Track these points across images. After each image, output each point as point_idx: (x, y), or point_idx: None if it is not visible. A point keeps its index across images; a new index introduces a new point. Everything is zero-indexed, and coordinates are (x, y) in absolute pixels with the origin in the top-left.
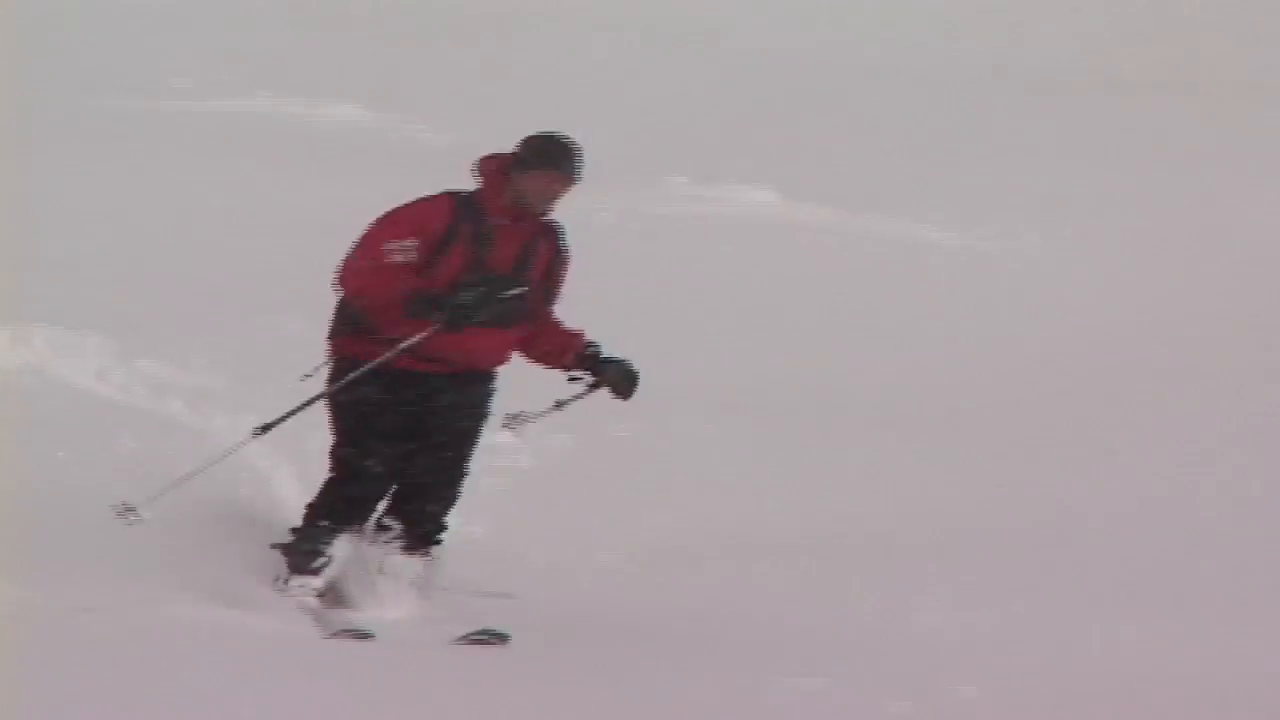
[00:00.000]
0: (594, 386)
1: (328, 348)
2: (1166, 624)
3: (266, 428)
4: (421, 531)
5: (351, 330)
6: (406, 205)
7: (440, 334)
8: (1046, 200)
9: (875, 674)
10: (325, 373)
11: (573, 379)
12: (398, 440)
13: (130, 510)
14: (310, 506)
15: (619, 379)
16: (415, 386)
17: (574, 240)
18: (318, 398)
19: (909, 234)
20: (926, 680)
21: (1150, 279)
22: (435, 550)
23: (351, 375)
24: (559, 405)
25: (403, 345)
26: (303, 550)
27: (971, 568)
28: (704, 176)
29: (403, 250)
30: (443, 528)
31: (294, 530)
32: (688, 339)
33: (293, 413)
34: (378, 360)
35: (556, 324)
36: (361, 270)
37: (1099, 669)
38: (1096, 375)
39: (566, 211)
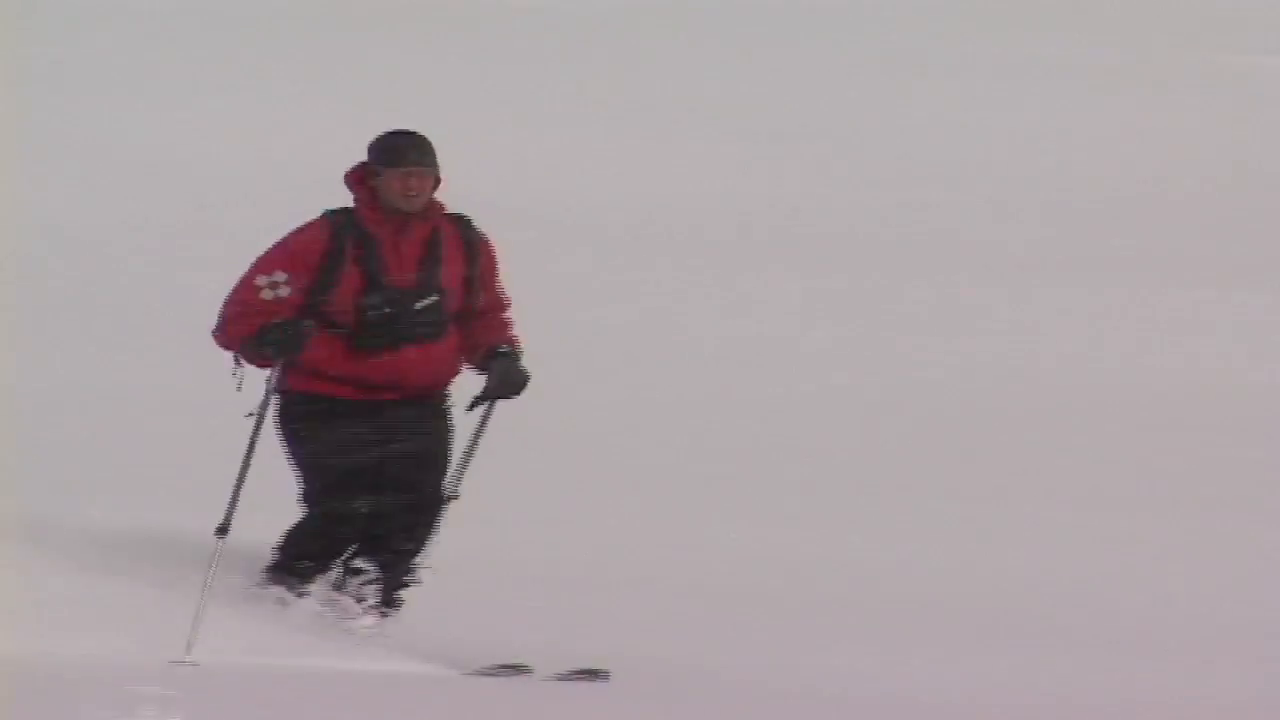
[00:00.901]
0: (478, 401)
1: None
2: None
3: (224, 529)
4: (394, 573)
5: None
6: (281, 239)
7: (357, 366)
8: None
9: None
10: (271, 411)
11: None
12: (362, 474)
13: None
14: (280, 549)
15: (497, 384)
16: (363, 415)
17: None
18: (248, 458)
19: None
20: None
21: None
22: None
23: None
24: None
25: (270, 388)
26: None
27: None
28: None
29: (273, 285)
30: (411, 571)
31: (269, 569)
32: None
33: (236, 495)
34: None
35: (494, 317)
36: (230, 316)
37: None
38: None
39: None
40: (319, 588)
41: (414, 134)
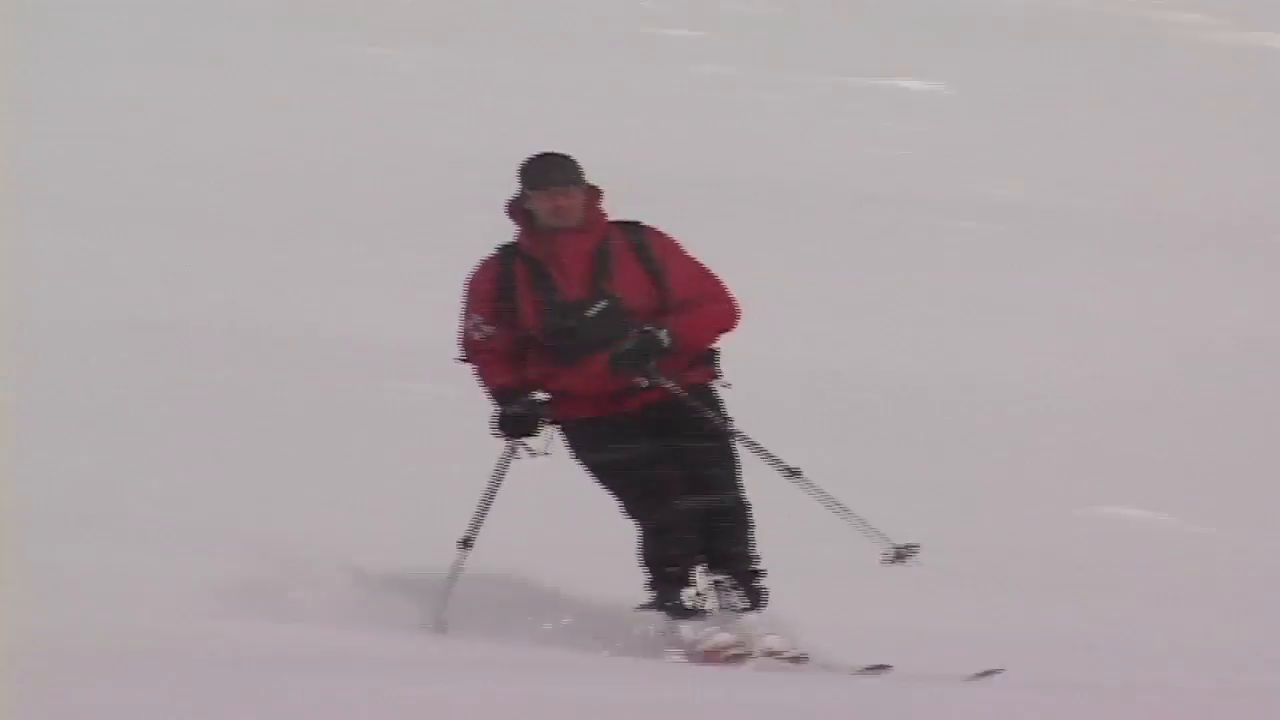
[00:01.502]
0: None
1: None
2: None
3: (469, 540)
4: (740, 576)
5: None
6: (468, 280)
7: (569, 381)
8: None
9: None
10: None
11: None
12: (655, 479)
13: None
14: (646, 562)
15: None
16: (629, 426)
17: None
18: (496, 486)
19: None
20: None
21: None
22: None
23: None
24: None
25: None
26: (673, 600)
27: None
28: None
29: (478, 329)
30: (752, 566)
31: (648, 585)
32: None
33: (482, 512)
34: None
35: (693, 306)
36: (469, 360)
37: None
38: None
39: None
40: (700, 604)
41: (555, 155)
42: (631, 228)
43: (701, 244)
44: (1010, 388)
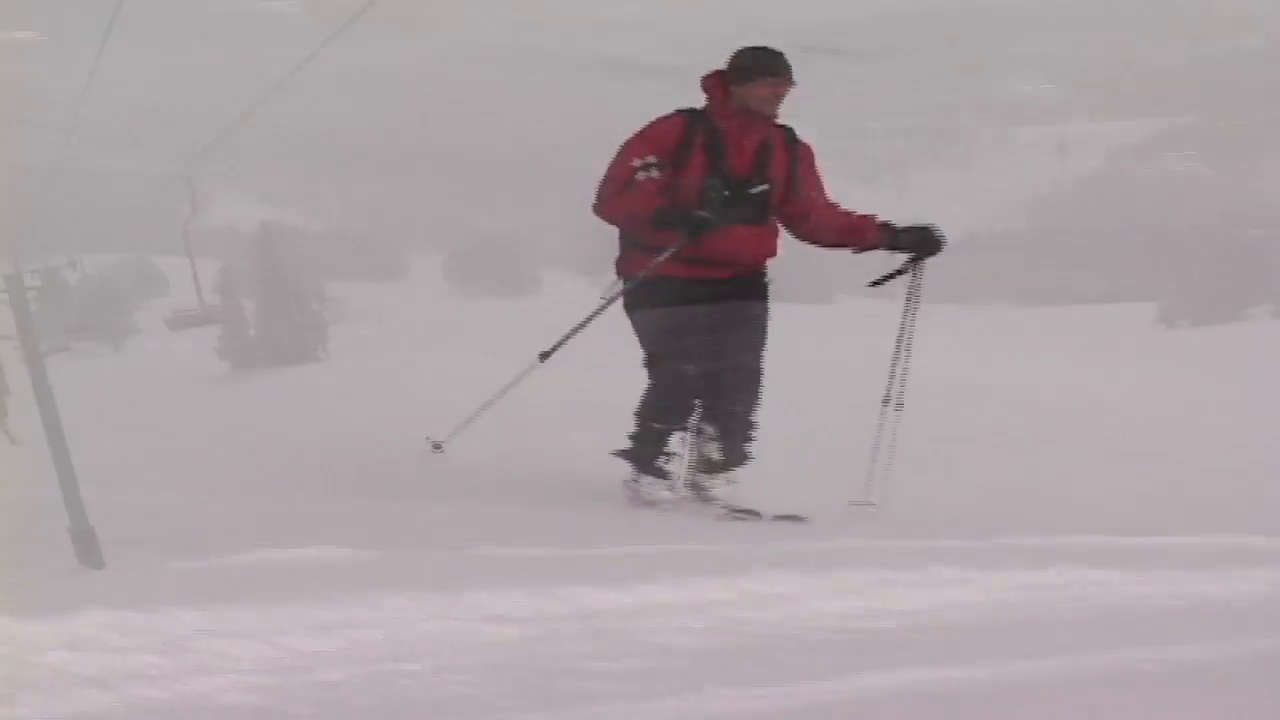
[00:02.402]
0: (906, 257)
1: (617, 271)
2: None
3: (546, 354)
4: (733, 436)
5: (635, 249)
6: (645, 127)
7: (696, 241)
8: None
9: None
10: (618, 293)
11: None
12: (693, 344)
13: (438, 446)
14: (638, 414)
15: (916, 242)
16: (694, 292)
17: None
18: (589, 320)
19: None
20: None
21: None
22: (738, 474)
23: (622, 289)
24: (875, 284)
25: (663, 256)
26: (645, 452)
27: None
28: None
29: (646, 167)
30: (749, 435)
31: (631, 436)
32: None
33: (568, 336)
34: (643, 274)
35: (833, 207)
36: (612, 195)
37: None
38: None
39: None
40: (680, 445)
41: (780, 51)
42: (787, 131)
43: None
44: None
